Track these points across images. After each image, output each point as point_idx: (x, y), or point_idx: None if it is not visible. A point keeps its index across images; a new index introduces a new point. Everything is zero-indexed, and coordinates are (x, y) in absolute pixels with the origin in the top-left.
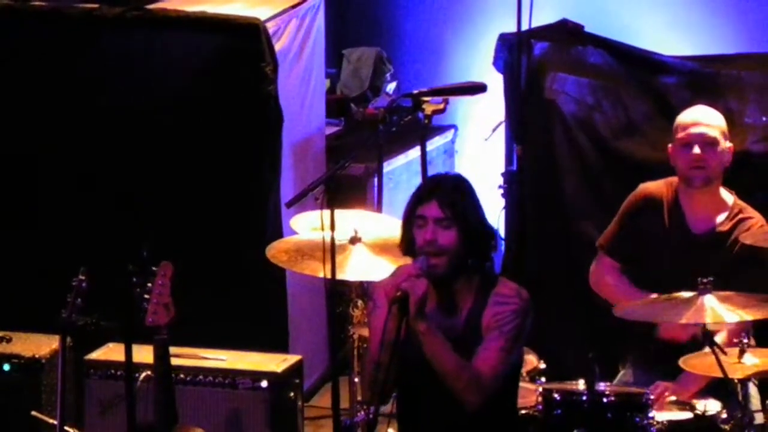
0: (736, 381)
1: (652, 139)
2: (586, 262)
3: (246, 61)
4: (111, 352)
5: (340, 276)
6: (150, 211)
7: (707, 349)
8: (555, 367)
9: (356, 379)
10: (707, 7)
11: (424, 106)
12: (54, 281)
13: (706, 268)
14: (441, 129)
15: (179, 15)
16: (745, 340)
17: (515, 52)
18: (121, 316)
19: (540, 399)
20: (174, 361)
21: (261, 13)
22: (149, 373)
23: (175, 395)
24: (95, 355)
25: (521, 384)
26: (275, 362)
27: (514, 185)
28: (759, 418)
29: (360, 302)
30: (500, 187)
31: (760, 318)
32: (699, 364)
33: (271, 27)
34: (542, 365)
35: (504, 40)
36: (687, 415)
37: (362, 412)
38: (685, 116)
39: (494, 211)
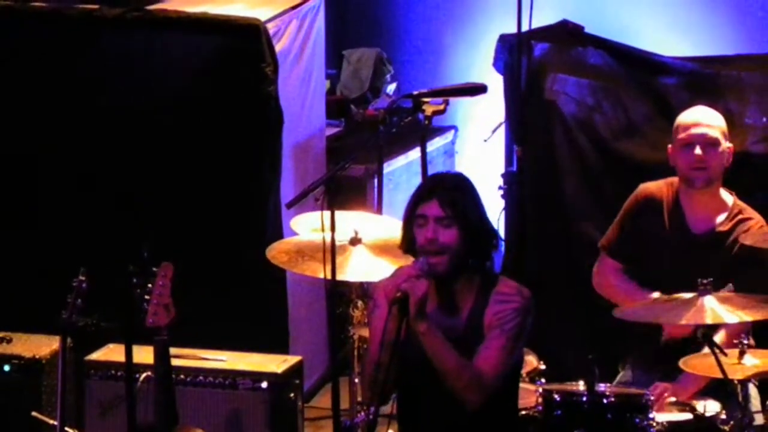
0: (735, 382)
1: (652, 140)
2: (586, 263)
3: (246, 62)
4: (111, 352)
5: (340, 277)
6: (150, 212)
7: (707, 350)
8: (555, 368)
9: (356, 380)
10: (707, 8)
11: (424, 107)
12: (54, 282)
13: (705, 269)
14: (441, 130)
15: (179, 16)
16: (745, 341)
17: (515, 53)
18: (121, 317)
19: (540, 400)
20: (174, 362)
21: (261, 13)
22: (149, 373)
23: (176, 396)
24: (95, 355)
25: (521, 385)
26: (275, 363)
27: (514, 186)
28: (759, 419)
29: (360, 303)
30: (500, 187)
31: (759, 319)
32: (699, 364)
33: (271, 28)
34: (542, 366)
35: (504, 41)
36: (687, 416)
37: (362, 413)
38: (686, 117)
39: (494, 212)
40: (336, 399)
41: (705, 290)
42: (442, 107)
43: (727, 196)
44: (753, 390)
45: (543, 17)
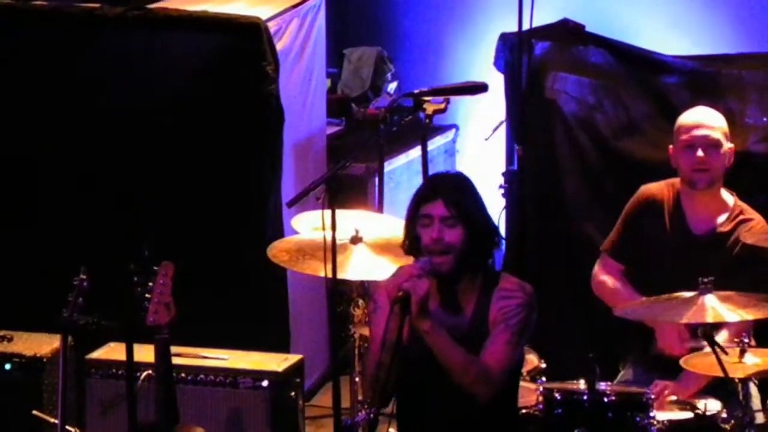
0: (736, 381)
1: (653, 139)
2: (586, 262)
3: (247, 61)
4: (112, 351)
5: (341, 275)
6: (150, 211)
7: (708, 349)
8: (556, 367)
9: (357, 379)
10: (708, 7)
11: (425, 105)
12: (55, 281)
13: (706, 269)
14: (442, 129)
15: (180, 14)
16: (746, 340)
17: (516, 51)
18: (122, 316)
19: (541, 398)
20: (175, 361)
21: (262, 12)
22: (150, 372)
23: (176, 395)
24: (96, 354)
25: (522, 383)
26: (276, 361)
27: (514, 185)
28: (759, 418)
29: (361, 301)
30: (501, 186)
31: (760, 317)
32: (700, 363)
33: (272, 26)
34: (543, 365)
35: (505, 39)
36: (687, 414)
37: (363, 412)
38: (687, 118)
39: (495, 211)
40: (337, 398)
41: (705, 289)
42: (442, 106)
43: (728, 197)
44: (754, 389)
45: (544, 16)
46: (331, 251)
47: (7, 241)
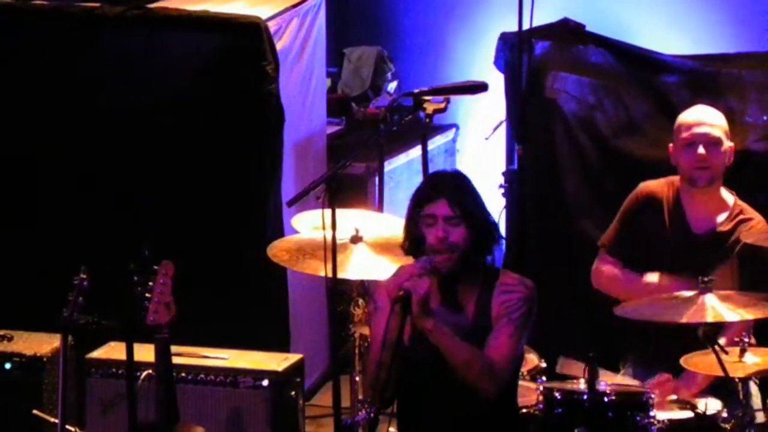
0: (737, 380)
1: (653, 138)
2: (586, 261)
3: (247, 61)
4: (112, 350)
5: (341, 275)
6: (151, 211)
7: (709, 348)
8: (556, 366)
9: (357, 378)
10: (708, 6)
11: (425, 105)
12: (55, 280)
13: (706, 268)
14: (442, 128)
15: (180, 14)
16: (746, 339)
17: (516, 51)
18: (122, 315)
19: (541, 398)
20: (175, 360)
21: (262, 12)
22: (150, 371)
23: (177, 394)
24: (96, 353)
25: (522, 383)
26: (276, 361)
27: (514, 184)
28: (760, 417)
29: (361, 301)
30: (501, 186)
31: (760, 317)
32: (700, 362)
33: (272, 26)
34: (543, 364)
35: (505, 39)
36: (688, 414)
37: (363, 411)
38: (688, 116)
39: (495, 210)
40: (337, 397)
41: (705, 288)
42: (443, 105)
43: (728, 196)
44: (754, 388)
45: (544, 15)
46: (331, 251)
47: (7, 241)
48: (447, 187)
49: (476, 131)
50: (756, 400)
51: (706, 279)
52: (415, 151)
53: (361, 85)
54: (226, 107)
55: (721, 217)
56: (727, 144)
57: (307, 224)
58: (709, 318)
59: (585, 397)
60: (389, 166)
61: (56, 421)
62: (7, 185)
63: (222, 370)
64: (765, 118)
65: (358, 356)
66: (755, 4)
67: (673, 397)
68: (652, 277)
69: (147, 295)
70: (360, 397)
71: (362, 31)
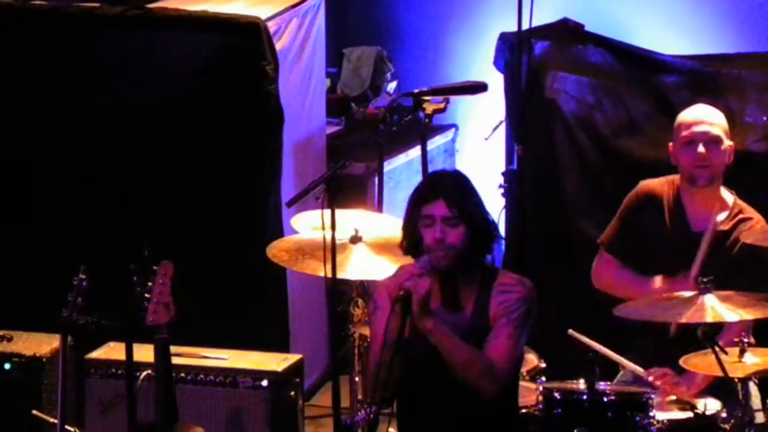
0: (736, 380)
1: (653, 138)
2: (586, 261)
3: (247, 61)
4: (112, 351)
5: (340, 275)
6: (150, 211)
7: (708, 349)
8: (555, 367)
9: (357, 378)
10: (707, 7)
11: (424, 105)
12: (54, 280)
13: (706, 267)
14: (441, 128)
15: (180, 14)
16: (746, 340)
17: (516, 51)
18: (121, 316)
19: (540, 398)
20: (175, 360)
21: (262, 12)
22: (150, 372)
23: (176, 394)
24: (96, 354)
25: (522, 383)
26: (276, 361)
27: (514, 184)
28: (759, 417)
29: (360, 301)
30: (501, 186)
31: (760, 317)
32: (700, 363)
33: (271, 26)
34: (542, 364)
35: (504, 39)
36: (687, 414)
37: (362, 411)
38: (688, 115)
39: (495, 211)
40: (336, 397)
41: (705, 288)
42: (442, 105)
43: (728, 195)
44: (753, 388)
45: (543, 15)
46: (331, 251)
47: (7, 241)
48: (445, 188)
49: (476, 131)
50: (755, 401)
51: (705, 279)
52: (415, 152)
53: (361, 86)
54: (226, 107)
55: (721, 216)
56: (727, 143)
57: (307, 224)
58: (709, 318)
59: (584, 397)
60: (389, 166)
61: (56, 421)
62: (7, 185)
63: (221, 371)
64: (765, 118)
65: (357, 356)
66: (755, 5)
67: (673, 397)
68: (653, 281)
69: (146, 295)
70: (359, 397)
71: (362, 32)
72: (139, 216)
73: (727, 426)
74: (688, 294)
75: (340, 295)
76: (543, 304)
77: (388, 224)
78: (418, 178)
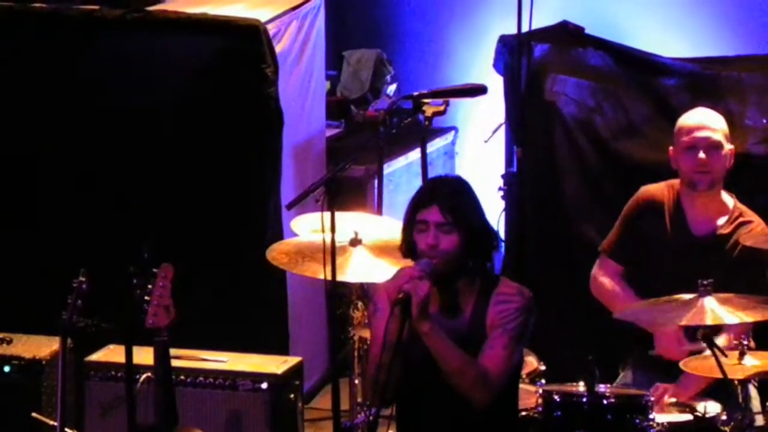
0: (736, 382)
1: (653, 141)
2: (586, 264)
3: (246, 63)
4: (111, 353)
5: (340, 278)
6: (150, 213)
7: (708, 351)
8: (555, 369)
9: (356, 381)
10: (707, 9)
11: (424, 108)
12: (54, 282)
13: (706, 271)
14: (441, 131)
15: (179, 17)
16: (745, 342)
17: (515, 54)
18: (121, 318)
19: (540, 401)
20: (174, 363)
21: (261, 14)
22: (150, 374)
23: (176, 397)
24: (95, 356)
25: (521, 386)
26: (275, 364)
27: (514, 187)
28: (759, 420)
29: (360, 304)
30: (500, 188)
31: (760, 320)
32: (699, 365)
33: (271, 29)
34: (542, 367)
35: (504, 42)
36: (687, 416)
37: (362, 414)
38: (688, 119)
39: (494, 213)
40: (336, 400)
41: (705, 291)
42: (442, 108)
43: (728, 199)
44: (753, 391)
45: (543, 18)
46: (331, 253)
47: (6, 241)
48: (440, 194)
49: (475, 134)
50: (755, 403)
51: (705, 282)
52: (415, 154)
53: (361, 88)
54: (226, 110)
55: (721, 220)
56: (728, 147)
57: (307, 227)
58: (709, 321)
59: (584, 399)
60: (388, 168)
61: (55, 424)
62: (7, 185)
63: (221, 373)
64: (765, 120)
65: (357, 359)
66: (755, 7)
67: (673, 399)
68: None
69: (146, 297)
70: (359, 400)
71: (361, 34)
72: (138, 218)
73: (726, 428)
74: (687, 296)
75: (340, 297)
76: (542, 307)
77: (388, 227)
78: (417, 181)
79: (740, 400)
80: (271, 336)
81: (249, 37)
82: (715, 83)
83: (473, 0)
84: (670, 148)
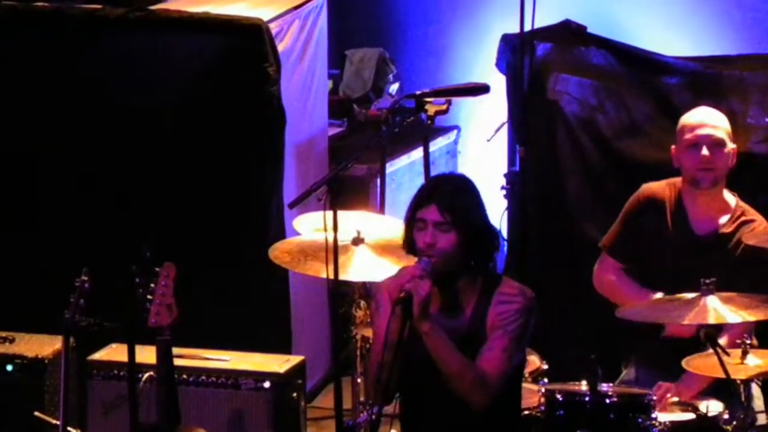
0: (738, 382)
1: (655, 140)
2: (588, 263)
3: (249, 62)
4: (114, 352)
5: (342, 277)
6: (152, 212)
7: (710, 350)
8: (557, 368)
9: (359, 380)
10: (709, 8)
11: (426, 107)
12: (56, 282)
13: (708, 270)
14: (444, 130)
15: (182, 16)
16: (748, 341)
17: (518, 52)
18: (123, 317)
19: (542, 400)
20: (177, 362)
21: (264, 13)
22: (152, 373)
23: (178, 396)
24: (98, 355)
25: (524, 385)
26: (278, 363)
27: (516, 186)
28: (761, 419)
29: (363, 303)
30: (503, 187)
31: (762, 319)
32: (702, 364)
33: (273, 28)
34: (545, 366)
35: (507, 40)
36: (689, 415)
37: (365, 413)
38: (691, 117)
39: (497, 212)
40: (338, 399)
41: (707, 290)
42: (444, 107)
43: (730, 198)
44: (756, 390)
45: (546, 17)
46: (333, 252)
47: (7, 241)
48: (440, 193)
49: (478, 133)
50: (758, 402)
51: (707, 281)
52: (417, 153)
53: (363, 87)
54: (228, 109)
55: (723, 219)
56: (730, 145)
57: (309, 226)
58: (711, 320)
59: (587, 399)
60: (391, 167)
61: (58, 423)
62: (7, 185)
63: (223, 372)
64: (767, 119)
65: (359, 358)
66: (757, 6)
67: (675, 399)
68: (653, 295)
69: (148, 296)
70: (361, 398)
71: (364, 33)
72: (140, 217)
73: (729, 428)
74: (690, 295)
75: (342, 296)
76: (545, 306)
77: (390, 226)
78: (420, 180)
79: (743, 399)
80: (274, 335)
81: (251, 36)
82: (717, 82)
83: None
84: (673, 146)
